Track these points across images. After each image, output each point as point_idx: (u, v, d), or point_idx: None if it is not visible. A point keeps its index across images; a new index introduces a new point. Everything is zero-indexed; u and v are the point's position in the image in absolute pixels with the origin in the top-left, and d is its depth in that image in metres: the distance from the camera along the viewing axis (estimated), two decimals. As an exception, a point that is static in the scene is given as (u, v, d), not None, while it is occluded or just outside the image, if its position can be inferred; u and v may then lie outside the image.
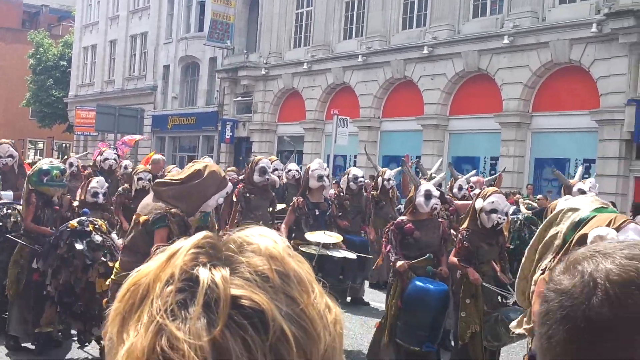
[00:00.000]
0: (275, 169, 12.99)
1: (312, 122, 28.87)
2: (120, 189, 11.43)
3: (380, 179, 12.10)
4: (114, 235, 6.98)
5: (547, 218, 4.74)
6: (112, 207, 10.06)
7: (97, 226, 7.09)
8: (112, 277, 5.69)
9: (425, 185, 7.60)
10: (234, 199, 10.29)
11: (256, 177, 10.17)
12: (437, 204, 7.56)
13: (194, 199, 5.45)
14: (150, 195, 5.63)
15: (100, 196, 9.22)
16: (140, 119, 33.71)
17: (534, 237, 4.85)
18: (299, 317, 0.77)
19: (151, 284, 0.79)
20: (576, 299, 0.99)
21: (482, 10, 23.26)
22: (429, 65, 24.24)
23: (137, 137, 24.93)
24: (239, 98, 33.08)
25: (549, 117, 21.10)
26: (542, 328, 1.03)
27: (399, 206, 12.67)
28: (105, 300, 5.83)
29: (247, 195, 10.18)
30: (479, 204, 7.16)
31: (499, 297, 7.24)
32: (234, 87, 33.14)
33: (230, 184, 5.89)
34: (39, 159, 12.76)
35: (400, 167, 14.78)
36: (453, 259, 7.21)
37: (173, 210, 5.32)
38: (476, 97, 22.92)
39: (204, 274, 0.77)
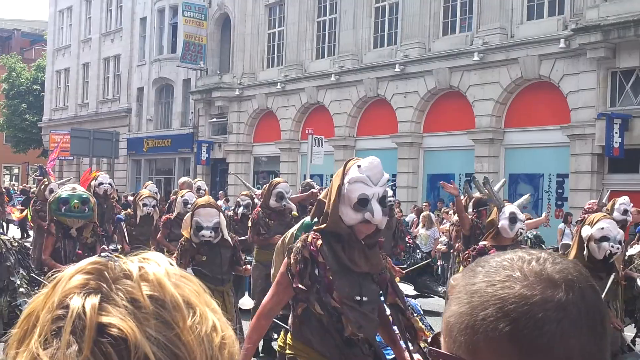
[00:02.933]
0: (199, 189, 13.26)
1: (288, 142, 28.89)
2: (122, 214, 11.41)
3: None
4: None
5: None
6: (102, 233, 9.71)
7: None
8: None
9: (509, 207, 7.03)
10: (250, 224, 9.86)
11: (272, 202, 9.53)
12: (522, 229, 7.02)
13: None
14: None
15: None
16: (116, 142, 33.64)
17: None
18: (171, 342, 0.77)
19: (40, 311, 0.81)
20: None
21: (452, 27, 23.43)
22: (401, 83, 24.36)
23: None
24: (214, 119, 33.04)
25: (521, 132, 21.27)
26: None
27: None
28: None
29: (267, 220, 9.60)
30: (586, 231, 6.25)
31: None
32: (209, 109, 33.11)
33: None
34: (13, 185, 12.69)
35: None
36: None
37: None
38: (449, 114, 23.06)
39: (76, 302, 0.78)
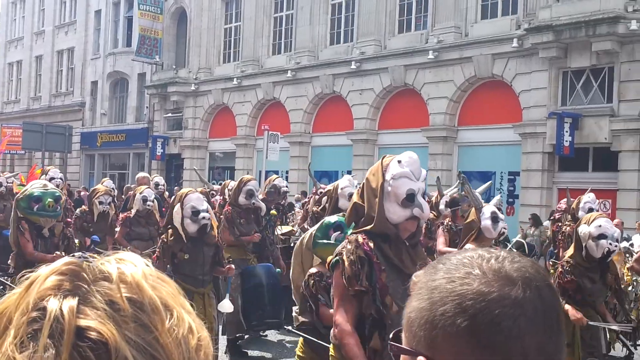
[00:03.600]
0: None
1: (243, 137, 28.78)
2: (77, 211, 11.07)
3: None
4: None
5: None
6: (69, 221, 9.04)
7: None
8: None
9: (489, 207, 6.90)
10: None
11: (242, 200, 9.29)
12: (505, 228, 6.93)
13: None
14: None
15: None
16: (69, 137, 33.12)
17: None
18: (150, 345, 0.76)
19: (13, 312, 0.78)
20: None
21: (407, 25, 23.57)
22: (357, 80, 24.43)
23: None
24: (169, 114, 32.77)
25: (474, 130, 21.50)
26: None
27: None
28: None
29: (237, 220, 9.34)
30: (583, 230, 6.27)
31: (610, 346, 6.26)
32: (164, 103, 32.82)
33: None
34: None
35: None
36: None
37: None
38: (404, 111, 23.20)
39: (53, 305, 0.76)
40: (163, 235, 6.84)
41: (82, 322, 0.76)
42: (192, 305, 0.88)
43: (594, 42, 17.92)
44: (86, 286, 0.79)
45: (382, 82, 23.67)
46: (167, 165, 33.10)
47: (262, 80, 27.89)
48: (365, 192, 3.84)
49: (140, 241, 10.05)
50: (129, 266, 0.83)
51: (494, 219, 6.61)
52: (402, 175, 3.72)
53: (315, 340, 4.77)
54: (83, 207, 11.13)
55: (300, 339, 5.11)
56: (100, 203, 10.66)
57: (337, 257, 3.71)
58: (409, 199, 3.70)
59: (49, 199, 6.97)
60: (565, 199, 12.01)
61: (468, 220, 6.94)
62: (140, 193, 10.32)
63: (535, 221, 16.87)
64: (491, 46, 20.55)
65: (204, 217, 6.63)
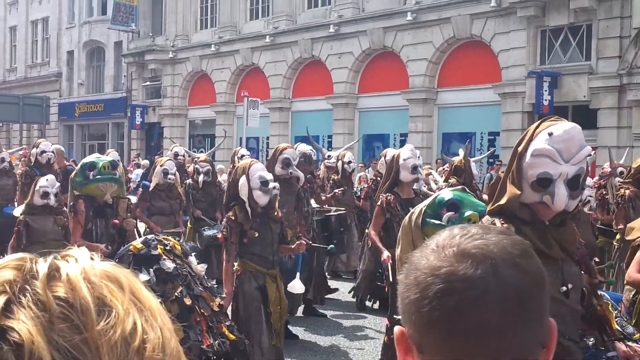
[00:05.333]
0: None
1: (223, 105, 28.62)
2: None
3: (340, 162, 10.92)
4: (192, 258, 5.02)
5: None
6: (65, 209, 8.32)
7: (168, 247, 4.90)
8: None
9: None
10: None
11: (278, 170, 8.30)
12: (590, 196, 6.58)
13: None
14: None
15: (52, 197, 7.41)
16: (46, 108, 32.91)
17: None
18: (75, 347, 0.73)
19: None
20: None
21: (385, -13, 23.40)
22: (335, 44, 24.29)
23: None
24: (147, 83, 32.50)
25: (453, 92, 21.50)
26: None
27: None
28: None
29: None
30: None
31: None
32: (142, 72, 32.52)
33: None
34: None
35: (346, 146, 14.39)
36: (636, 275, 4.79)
37: None
38: (383, 74, 23.13)
39: None
40: (229, 213, 6.03)
41: (7, 323, 0.73)
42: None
43: (571, 0, 17.89)
44: (23, 284, 0.76)
45: (361, 45, 23.55)
46: (147, 134, 32.90)
47: (240, 46, 27.66)
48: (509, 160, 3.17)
49: (160, 216, 9.57)
50: (69, 264, 0.79)
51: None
52: (543, 153, 3.00)
53: None
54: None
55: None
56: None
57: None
58: (541, 184, 3.03)
59: (102, 162, 6.51)
60: (608, 162, 10.81)
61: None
62: (161, 165, 9.69)
63: (516, 180, 16.90)
64: (469, 6, 20.47)
65: (274, 187, 6.05)
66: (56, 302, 0.75)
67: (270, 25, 26.50)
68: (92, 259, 0.81)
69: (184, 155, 12.66)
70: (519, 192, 3.04)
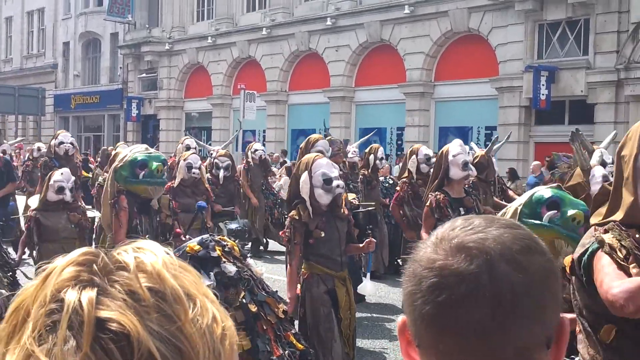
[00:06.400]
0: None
1: (219, 97, 28.56)
2: (100, 179, 9.88)
3: (372, 156, 10.55)
4: (250, 260, 4.59)
5: None
6: (81, 205, 7.76)
7: (227, 249, 4.39)
8: None
9: (599, 169, 5.93)
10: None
11: None
12: None
13: None
14: None
15: (67, 192, 6.97)
16: (42, 99, 32.83)
17: None
18: (173, 336, 0.74)
19: (30, 305, 0.77)
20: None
21: (383, -20, 23.33)
22: (332, 37, 24.23)
23: None
24: (144, 74, 32.40)
25: (451, 85, 21.46)
26: None
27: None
28: None
29: None
30: None
31: None
32: (138, 64, 32.42)
33: None
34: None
35: (364, 138, 14.04)
36: None
37: None
38: (380, 67, 23.08)
39: (71, 296, 0.74)
40: (293, 212, 5.58)
41: (102, 314, 0.73)
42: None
43: (569, -6, 17.87)
44: (105, 277, 0.77)
45: (358, 38, 23.49)
46: (143, 127, 32.84)
47: (237, 38, 27.58)
48: (615, 164, 2.80)
49: (186, 213, 8.46)
50: (148, 255, 0.80)
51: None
52: None
53: None
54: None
55: None
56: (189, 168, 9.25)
57: (595, 245, 2.71)
58: None
59: (156, 163, 5.86)
60: None
61: (571, 183, 5.90)
62: (185, 160, 9.07)
63: (513, 175, 16.94)
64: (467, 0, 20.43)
65: (338, 185, 5.56)
66: (148, 292, 0.76)
67: (267, 18, 26.41)
68: (166, 252, 0.83)
69: (195, 148, 12.09)
70: (634, 198, 2.64)
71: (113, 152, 9.46)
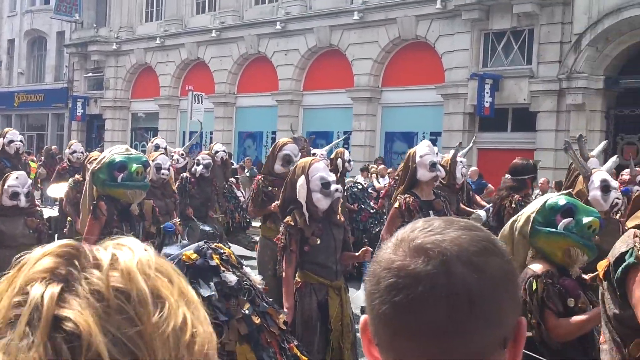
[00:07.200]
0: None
1: (167, 98, 28.34)
2: (70, 181, 9.47)
3: (339, 160, 10.39)
4: (247, 269, 4.32)
5: None
6: (39, 209, 7.30)
7: (224, 257, 4.12)
8: None
9: (599, 175, 5.88)
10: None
11: (278, 168, 7.72)
12: (618, 198, 5.90)
13: None
14: None
15: (22, 198, 6.56)
16: (-16, 97, 32.08)
17: None
18: (130, 340, 0.72)
19: (3, 293, 0.75)
20: None
21: (333, -15, 23.49)
22: (282, 41, 24.28)
23: None
24: (90, 74, 31.98)
25: (397, 91, 21.68)
26: None
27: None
28: None
29: (269, 188, 7.64)
30: None
31: None
32: (84, 63, 31.99)
33: None
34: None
35: (333, 143, 13.83)
36: None
37: None
38: (329, 72, 23.20)
39: (36, 291, 0.72)
40: (288, 218, 5.35)
41: (61, 312, 0.71)
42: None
43: (515, 5, 18.22)
44: (76, 272, 0.75)
45: (308, 43, 23.59)
46: (88, 126, 32.38)
47: (185, 40, 27.44)
48: None
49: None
50: (125, 253, 0.78)
51: (605, 188, 5.70)
52: None
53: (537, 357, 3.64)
54: (77, 176, 9.39)
55: None
56: None
57: (632, 260, 2.73)
58: None
59: (136, 165, 5.49)
60: (628, 169, 9.86)
61: (575, 191, 5.81)
62: (153, 160, 8.54)
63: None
64: (416, 7, 20.68)
65: (337, 190, 5.37)
66: (113, 292, 0.73)
67: (216, 20, 26.33)
68: (145, 250, 0.80)
69: (165, 148, 11.46)
70: None
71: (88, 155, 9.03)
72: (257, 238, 8.53)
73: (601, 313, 2.96)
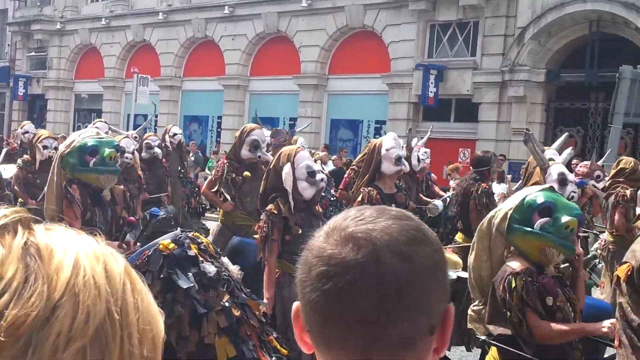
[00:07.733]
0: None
1: (112, 80, 27.95)
2: (19, 161, 9.32)
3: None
4: (225, 259, 4.10)
5: None
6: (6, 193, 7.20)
7: (202, 247, 3.90)
8: None
9: (557, 167, 5.85)
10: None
11: (245, 153, 7.43)
12: (574, 192, 5.81)
13: None
14: None
15: None
16: None
17: None
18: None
19: None
20: None
21: (282, -29, 23.44)
22: (230, 25, 24.16)
23: None
24: (33, 53, 31.33)
25: (344, 79, 21.80)
26: None
27: None
28: None
29: (233, 175, 7.39)
30: None
31: None
32: (27, 42, 31.33)
33: None
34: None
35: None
36: None
37: None
38: (276, 58, 23.18)
39: None
40: (271, 206, 5.21)
41: None
42: None
43: (461, -3, 18.49)
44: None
45: (255, 28, 23.52)
46: (30, 106, 31.75)
47: (131, 21, 27.09)
48: None
49: None
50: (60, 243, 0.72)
51: (562, 181, 5.65)
52: None
53: (522, 353, 3.61)
54: (25, 156, 9.28)
55: (492, 353, 3.94)
56: (45, 148, 8.82)
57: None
58: None
59: (109, 149, 5.30)
60: (587, 162, 9.26)
61: (532, 183, 5.85)
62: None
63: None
64: (363, -4, 20.82)
65: (322, 179, 5.32)
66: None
67: (164, 2, 26.04)
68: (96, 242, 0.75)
69: (107, 132, 11.41)
70: None
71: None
72: (210, 225, 8.39)
73: (618, 318, 2.95)
